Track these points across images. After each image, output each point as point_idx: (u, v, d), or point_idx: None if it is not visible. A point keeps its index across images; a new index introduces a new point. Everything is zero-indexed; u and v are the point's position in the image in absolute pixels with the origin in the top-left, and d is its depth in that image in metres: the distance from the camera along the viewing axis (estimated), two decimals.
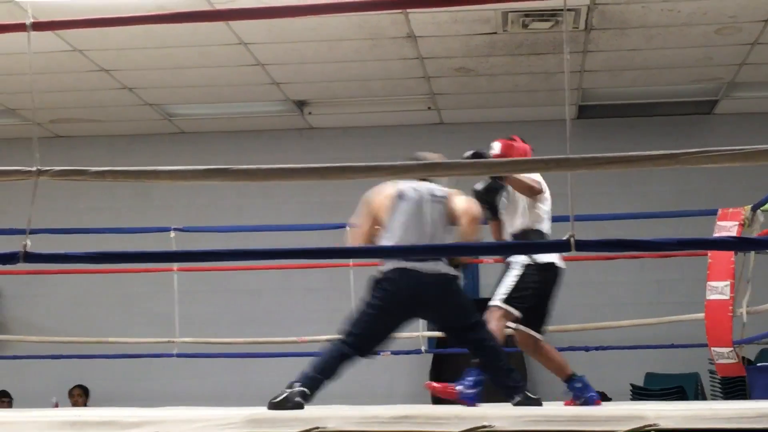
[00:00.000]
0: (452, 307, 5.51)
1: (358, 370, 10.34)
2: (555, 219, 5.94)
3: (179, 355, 8.95)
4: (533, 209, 5.92)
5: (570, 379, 5.93)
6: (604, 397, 9.79)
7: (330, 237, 9.04)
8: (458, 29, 8.54)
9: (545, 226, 5.94)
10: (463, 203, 5.55)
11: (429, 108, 10.79)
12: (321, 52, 9.06)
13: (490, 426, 2.57)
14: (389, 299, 5.38)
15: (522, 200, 5.92)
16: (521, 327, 5.92)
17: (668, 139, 10.65)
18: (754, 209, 7.64)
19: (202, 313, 10.72)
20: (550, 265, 5.84)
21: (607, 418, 2.55)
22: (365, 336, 5.43)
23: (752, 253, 7.58)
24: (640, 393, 9.35)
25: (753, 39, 8.82)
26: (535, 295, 5.84)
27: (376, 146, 11.11)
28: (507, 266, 5.91)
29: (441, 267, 5.41)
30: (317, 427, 2.70)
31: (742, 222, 7.61)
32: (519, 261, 5.82)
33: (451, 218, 5.51)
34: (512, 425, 2.54)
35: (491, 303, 5.84)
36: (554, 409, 3.25)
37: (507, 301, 5.80)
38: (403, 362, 10.23)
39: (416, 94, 10.32)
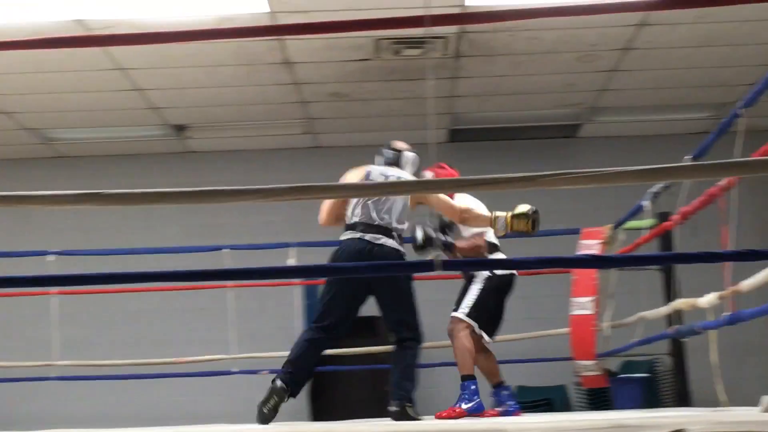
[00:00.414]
0: (392, 284, 5.65)
1: (237, 389, 10.34)
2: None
3: (59, 379, 8.76)
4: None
5: (498, 386, 6.32)
6: None
7: (210, 259, 8.95)
8: (332, 55, 8.55)
9: (491, 236, 6.28)
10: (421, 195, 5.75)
11: (306, 132, 10.77)
12: (199, 78, 8.98)
13: None
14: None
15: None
16: (476, 330, 6.23)
17: (536, 161, 10.80)
18: (615, 228, 7.80)
19: (82, 336, 10.50)
20: (508, 276, 6.25)
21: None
22: (328, 314, 5.65)
23: (613, 269, 7.73)
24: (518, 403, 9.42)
25: (612, 66, 9.03)
26: (493, 305, 6.25)
27: (256, 169, 11.06)
28: (468, 280, 6.27)
29: (392, 243, 5.66)
30: None
31: (604, 240, 7.76)
32: (481, 275, 6.22)
33: (414, 202, 5.78)
34: None
35: (455, 314, 6.21)
36: (407, 424, 3.26)
37: (470, 315, 6.18)
38: None
39: (293, 118, 10.29)
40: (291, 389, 5.62)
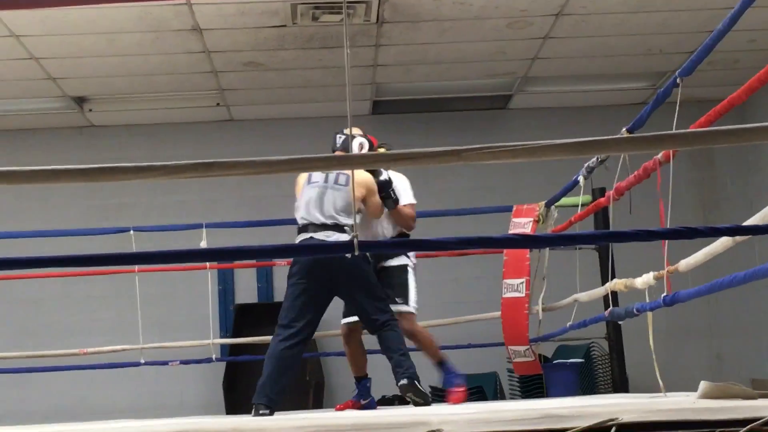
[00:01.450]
0: (355, 276, 6.01)
1: (145, 381, 10.26)
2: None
3: None
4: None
5: (363, 379, 6.56)
6: (402, 401, 9.92)
7: (115, 241, 8.85)
8: (246, 21, 8.48)
9: None
10: (361, 187, 6.20)
11: (218, 104, 10.69)
12: (100, 46, 8.85)
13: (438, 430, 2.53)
14: (301, 273, 5.98)
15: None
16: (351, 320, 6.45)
17: (464, 135, 10.85)
18: (548, 205, 7.85)
19: None
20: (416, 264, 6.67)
21: (390, 425, 2.55)
22: (295, 318, 5.97)
23: (546, 249, 7.78)
24: (439, 395, 9.46)
25: (544, 33, 9.07)
26: None
27: (164, 145, 10.96)
28: (385, 269, 6.48)
29: (344, 238, 5.90)
30: None
31: (537, 218, 7.81)
32: (408, 263, 6.53)
33: (360, 199, 6.20)
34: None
35: (404, 309, 6.43)
36: (332, 416, 3.25)
37: (415, 303, 6.54)
38: (194, 372, 10.11)
39: (204, 89, 10.20)
40: (274, 409, 5.89)
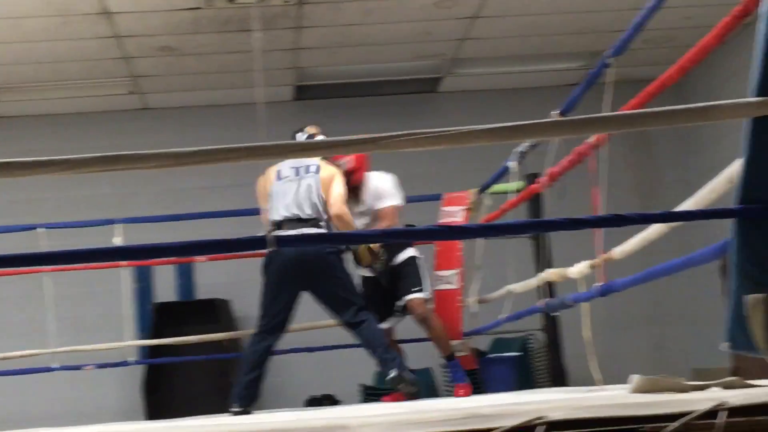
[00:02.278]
0: (328, 274, 6.20)
1: (60, 387, 10.15)
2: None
3: None
4: None
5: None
6: (331, 400, 9.92)
7: (24, 239, 8.73)
8: (158, 4, 8.41)
9: None
10: (329, 181, 6.36)
11: (131, 92, 10.59)
12: (4, 32, 8.73)
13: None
14: (275, 272, 6.17)
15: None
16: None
17: (393, 120, 10.82)
18: (480, 193, 7.87)
19: None
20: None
21: (306, 430, 2.54)
22: (273, 316, 6.21)
23: (480, 239, 7.80)
24: (371, 393, 9.47)
25: (473, 12, 9.09)
26: None
27: (74, 135, 10.83)
28: (396, 267, 6.85)
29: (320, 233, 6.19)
30: None
31: (468, 206, 7.83)
32: (415, 255, 6.94)
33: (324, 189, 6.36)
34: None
35: (419, 296, 6.83)
36: (246, 420, 3.23)
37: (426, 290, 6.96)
38: (111, 375, 10.02)
39: (116, 76, 10.10)
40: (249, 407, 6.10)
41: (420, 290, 6.84)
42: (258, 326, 6.29)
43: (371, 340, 6.24)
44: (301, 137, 6.52)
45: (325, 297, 6.36)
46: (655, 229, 4.15)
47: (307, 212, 6.23)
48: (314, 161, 6.43)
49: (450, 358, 7.05)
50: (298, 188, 6.30)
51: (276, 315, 6.24)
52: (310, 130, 6.64)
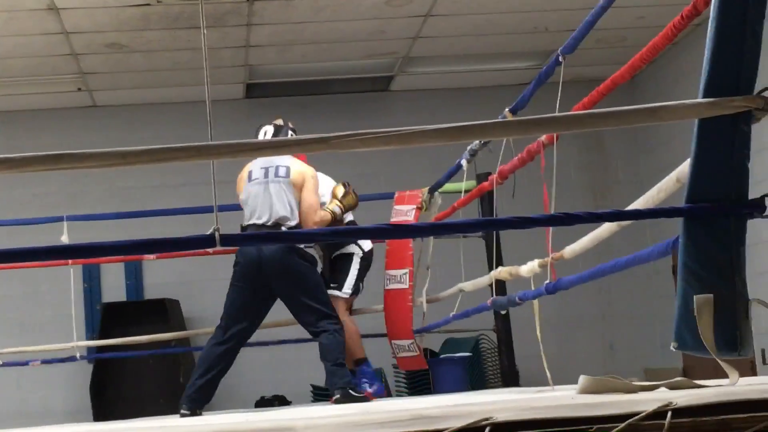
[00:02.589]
0: (293, 278, 6.15)
1: (4, 386, 10.05)
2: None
3: None
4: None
5: (359, 363, 6.84)
6: (282, 401, 9.89)
7: (16, 236, 8.68)
8: (106, 0, 8.34)
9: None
10: (298, 176, 6.32)
11: (79, 89, 10.51)
12: None
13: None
14: (238, 276, 6.20)
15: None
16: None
17: (345, 118, 10.82)
18: (431, 191, 7.88)
19: None
20: (371, 251, 7.05)
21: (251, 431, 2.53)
22: (233, 321, 6.18)
23: (431, 238, 7.81)
24: (321, 394, 9.45)
25: (425, 11, 9.10)
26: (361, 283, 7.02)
27: (22, 132, 10.74)
28: (334, 259, 6.88)
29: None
30: None
31: (420, 205, 7.83)
32: (355, 252, 6.89)
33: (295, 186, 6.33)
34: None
35: (338, 294, 6.76)
36: (190, 422, 3.21)
37: (354, 292, 6.91)
38: (58, 375, 9.94)
39: (64, 73, 10.02)
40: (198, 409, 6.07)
41: (336, 288, 6.78)
42: (217, 329, 6.26)
43: (325, 353, 6.19)
44: (268, 130, 6.52)
45: (285, 300, 6.32)
46: (605, 228, 4.16)
47: (273, 220, 6.21)
48: (285, 161, 6.38)
49: (358, 363, 6.79)
50: (264, 193, 6.27)
51: (236, 319, 6.19)
52: (278, 121, 6.65)
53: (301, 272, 6.22)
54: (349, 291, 6.88)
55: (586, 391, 2.93)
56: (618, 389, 2.88)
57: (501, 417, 2.39)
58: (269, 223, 6.18)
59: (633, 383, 2.91)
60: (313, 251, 6.73)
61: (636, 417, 2.40)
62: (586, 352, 10.91)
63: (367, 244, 7.00)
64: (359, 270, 6.95)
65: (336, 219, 6.66)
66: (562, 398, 2.83)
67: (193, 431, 2.71)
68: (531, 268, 5.24)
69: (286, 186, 6.28)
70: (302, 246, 6.27)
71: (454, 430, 2.37)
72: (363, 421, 2.48)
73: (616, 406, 2.47)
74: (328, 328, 6.20)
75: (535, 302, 5.25)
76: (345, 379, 6.15)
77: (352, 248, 6.89)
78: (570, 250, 4.79)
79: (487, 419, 2.39)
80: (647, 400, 2.50)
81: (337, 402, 6.03)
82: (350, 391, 6.09)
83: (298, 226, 6.23)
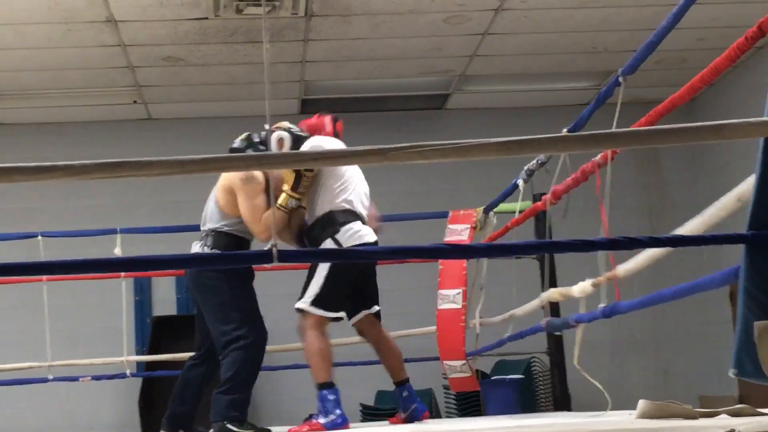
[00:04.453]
0: (198, 289, 5.72)
1: (55, 399, 10.12)
2: None
3: None
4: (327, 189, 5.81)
5: (401, 384, 6.09)
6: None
7: (22, 248, 8.73)
8: (164, 13, 8.40)
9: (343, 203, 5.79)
10: (224, 181, 5.78)
11: (135, 101, 10.59)
12: (7, 38, 8.73)
13: None
14: None
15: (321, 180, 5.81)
16: (360, 315, 5.97)
17: (399, 136, 10.76)
18: (486, 211, 7.86)
19: None
20: (362, 246, 5.59)
21: None
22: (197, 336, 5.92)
23: (485, 258, 7.79)
24: (370, 413, 9.45)
25: (483, 29, 9.09)
26: (348, 284, 5.74)
27: (77, 144, 10.84)
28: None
29: (196, 247, 5.79)
30: None
31: (474, 224, 7.81)
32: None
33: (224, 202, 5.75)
34: None
35: (297, 305, 5.67)
36: None
37: (316, 303, 5.62)
38: (107, 388, 10.00)
39: (120, 85, 10.10)
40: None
41: (300, 298, 5.69)
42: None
43: (224, 380, 5.54)
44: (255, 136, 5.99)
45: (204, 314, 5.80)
46: (661, 249, 4.13)
47: (205, 226, 5.83)
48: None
49: (321, 387, 5.59)
50: (210, 197, 5.94)
51: (199, 333, 5.88)
52: (282, 124, 6.00)
53: (206, 285, 5.67)
54: (308, 300, 5.63)
55: (645, 415, 2.90)
56: (678, 414, 2.86)
57: None
58: (203, 231, 5.81)
59: (693, 409, 2.88)
60: None
61: None
62: (640, 377, 10.81)
63: (352, 238, 5.69)
64: (329, 273, 5.63)
65: (294, 210, 5.77)
66: (621, 422, 2.80)
67: None
68: (583, 288, 5.19)
69: (214, 193, 5.86)
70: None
71: None
72: None
73: (676, 431, 2.45)
74: (234, 344, 5.54)
75: (579, 329, 5.20)
76: (225, 413, 5.47)
77: (328, 243, 5.67)
78: (623, 269, 4.74)
79: None
80: (709, 427, 2.48)
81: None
82: (228, 425, 5.45)
83: (219, 233, 5.72)
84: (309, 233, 5.80)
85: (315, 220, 5.78)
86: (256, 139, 5.95)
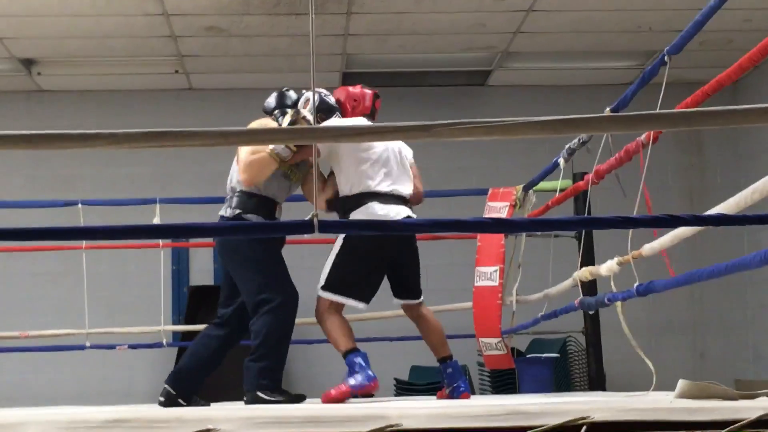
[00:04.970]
0: (226, 254, 5.64)
1: (91, 366, 10.20)
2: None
3: None
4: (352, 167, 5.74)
5: (444, 361, 5.98)
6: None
7: (61, 215, 8.79)
8: None
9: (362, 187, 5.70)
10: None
11: (176, 71, 10.62)
12: (51, 5, 8.76)
13: (215, 429, 2.51)
14: None
15: (343, 158, 5.72)
16: (408, 302, 5.93)
17: (439, 112, 10.82)
18: (526, 189, 7.84)
19: None
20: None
21: (346, 418, 2.53)
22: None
23: (523, 235, 7.78)
24: (404, 388, 9.48)
25: (527, 5, 9.05)
26: (370, 263, 5.65)
27: (116, 112, 10.89)
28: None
29: (223, 211, 5.71)
30: None
31: (514, 202, 7.80)
32: (337, 236, 5.67)
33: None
34: (240, 428, 2.48)
35: (318, 291, 5.68)
36: (286, 408, 3.24)
37: (327, 287, 5.64)
38: (143, 357, 10.07)
39: (162, 55, 10.12)
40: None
41: (320, 286, 5.69)
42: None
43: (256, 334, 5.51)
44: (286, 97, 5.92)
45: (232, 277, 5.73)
46: (688, 228, 4.12)
47: (228, 188, 5.79)
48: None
49: (346, 354, 5.60)
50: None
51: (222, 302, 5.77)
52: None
53: (233, 248, 5.61)
54: (321, 284, 5.67)
55: (684, 395, 2.90)
56: (717, 395, 2.85)
57: (598, 417, 2.38)
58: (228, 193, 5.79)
59: (733, 391, 2.87)
60: (259, 219, 5.64)
61: (737, 424, 2.38)
62: (675, 360, 10.77)
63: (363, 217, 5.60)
64: (337, 258, 5.64)
65: (285, 159, 5.59)
66: (660, 402, 2.80)
67: (283, 414, 2.73)
68: (610, 267, 5.19)
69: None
70: (239, 213, 5.63)
71: (551, 427, 2.36)
72: (457, 413, 2.47)
73: (716, 412, 2.45)
74: (258, 314, 5.50)
75: (619, 304, 5.20)
76: (253, 381, 5.46)
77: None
78: (649, 247, 4.73)
79: (584, 418, 2.37)
80: (748, 408, 2.47)
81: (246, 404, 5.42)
82: (259, 394, 5.42)
83: (243, 192, 5.69)
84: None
85: (330, 207, 5.80)
86: (288, 102, 5.88)
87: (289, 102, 5.87)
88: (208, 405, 5.59)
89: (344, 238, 5.63)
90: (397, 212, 5.70)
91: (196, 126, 3.70)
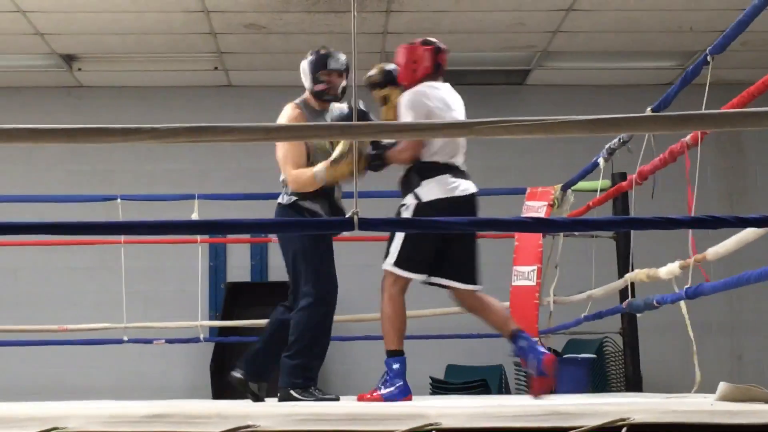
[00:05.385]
0: (281, 242, 5.65)
1: (128, 360, 10.24)
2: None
3: None
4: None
5: (514, 337, 5.46)
6: None
7: (100, 210, 8.84)
8: None
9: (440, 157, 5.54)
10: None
11: (216, 68, 10.64)
12: (92, 1, 8.81)
13: (254, 426, 2.51)
14: None
15: None
16: (453, 283, 5.53)
17: (478, 110, 10.65)
18: (564, 189, 7.82)
19: None
20: (449, 200, 5.39)
21: (385, 416, 2.53)
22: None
23: (561, 235, 7.76)
24: (440, 387, 9.46)
25: (567, 5, 9.01)
26: (435, 243, 5.40)
27: (155, 108, 10.92)
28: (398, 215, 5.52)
29: (280, 198, 5.72)
30: (56, 428, 2.59)
31: (552, 202, 7.78)
32: (406, 204, 5.44)
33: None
34: (278, 425, 2.49)
35: (383, 266, 5.45)
36: (326, 406, 3.25)
37: (398, 263, 5.39)
38: (180, 352, 10.10)
39: (201, 51, 10.15)
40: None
41: (384, 258, 5.46)
42: None
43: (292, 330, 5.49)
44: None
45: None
46: (751, 232, 4.09)
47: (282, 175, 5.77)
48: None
49: (388, 354, 5.43)
50: None
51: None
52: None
53: (285, 236, 5.65)
54: (392, 261, 5.41)
55: (725, 398, 2.88)
56: (759, 398, 2.83)
57: (638, 418, 2.36)
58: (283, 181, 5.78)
59: None
60: (315, 206, 5.63)
61: None
62: (713, 362, 10.70)
63: (431, 192, 5.41)
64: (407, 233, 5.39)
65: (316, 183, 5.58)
66: (701, 404, 2.78)
67: (322, 411, 2.73)
68: (670, 270, 5.15)
69: None
70: (295, 200, 5.64)
71: (591, 428, 2.35)
72: (496, 413, 2.47)
73: (757, 416, 2.43)
74: (301, 303, 5.49)
75: (683, 303, 5.15)
76: (286, 378, 5.43)
77: (407, 200, 5.44)
78: (713, 252, 4.70)
79: (623, 419, 2.36)
80: None
81: (280, 399, 5.42)
82: (291, 392, 5.39)
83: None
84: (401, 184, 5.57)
85: (405, 171, 5.56)
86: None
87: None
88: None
89: (415, 212, 5.38)
90: (466, 187, 5.54)
91: (234, 122, 3.72)
